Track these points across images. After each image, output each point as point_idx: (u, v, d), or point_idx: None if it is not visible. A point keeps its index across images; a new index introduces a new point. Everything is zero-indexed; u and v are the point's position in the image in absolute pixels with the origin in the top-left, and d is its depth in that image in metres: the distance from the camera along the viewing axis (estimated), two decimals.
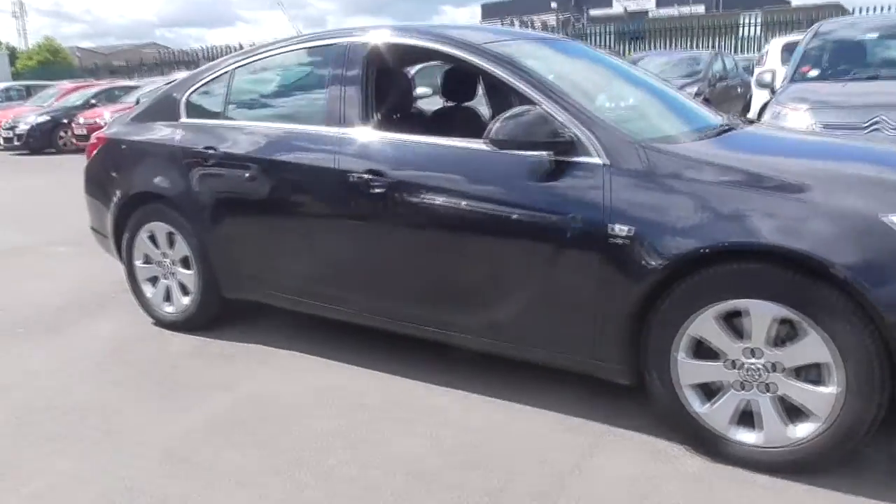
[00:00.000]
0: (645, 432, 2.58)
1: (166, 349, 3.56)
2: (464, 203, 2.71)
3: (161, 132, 3.69)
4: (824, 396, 2.19)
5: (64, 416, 2.90)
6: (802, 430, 2.25)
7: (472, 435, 2.62)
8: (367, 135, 3.01)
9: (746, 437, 2.35)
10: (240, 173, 3.32)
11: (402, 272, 2.95)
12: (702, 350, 2.38)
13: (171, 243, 3.69)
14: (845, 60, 5.70)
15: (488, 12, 43.83)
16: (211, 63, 3.85)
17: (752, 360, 2.30)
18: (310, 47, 3.43)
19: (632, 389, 2.59)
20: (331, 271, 3.15)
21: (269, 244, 3.32)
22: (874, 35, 5.77)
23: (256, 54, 3.56)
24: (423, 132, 3.01)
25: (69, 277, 4.93)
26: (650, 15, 37.84)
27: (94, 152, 4.01)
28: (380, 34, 3.17)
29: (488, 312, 2.75)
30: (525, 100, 2.70)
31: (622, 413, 2.70)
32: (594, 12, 35.55)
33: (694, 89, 10.94)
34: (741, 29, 24.20)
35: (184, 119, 3.64)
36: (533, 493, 2.26)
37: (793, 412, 2.28)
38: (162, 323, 3.83)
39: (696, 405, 2.41)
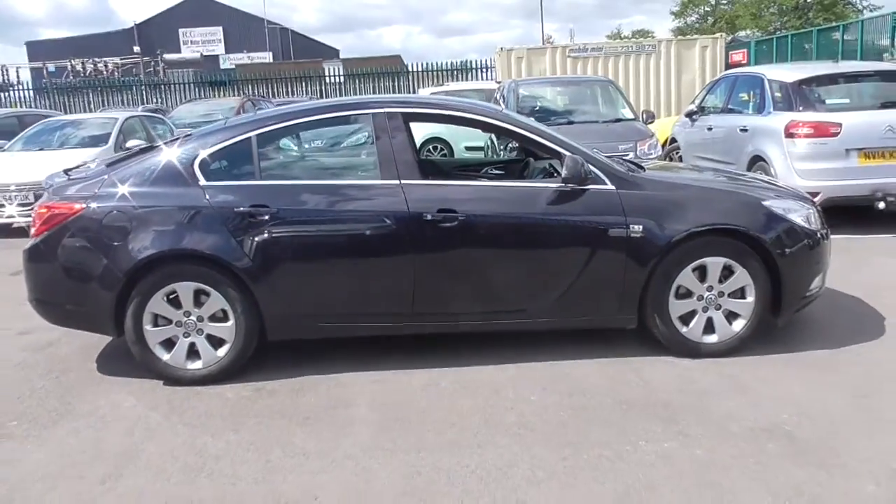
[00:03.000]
0: (623, 356, 4.08)
1: (229, 397, 3.72)
2: (525, 223, 3.87)
3: (177, 195, 3.80)
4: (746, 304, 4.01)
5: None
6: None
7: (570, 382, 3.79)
8: (428, 182, 3.90)
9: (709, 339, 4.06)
10: (301, 225, 3.80)
11: (471, 282, 3.90)
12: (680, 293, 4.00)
13: (199, 300, 3.84)
14: (546, 111, 8.09)
15: (35, 53, 39.42)
16: (210, 130, 4.08)
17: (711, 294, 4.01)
18: (337, 116, 4.10)
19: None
20: (398, 293, 3.87)
21: (332, 282, 3.86)
22: (560, 90, 8.32)
23: (279, 122, 4.01)
24: (449, 178, 4.04)
25: None
26: (224, 61, 38.88)
27: (62, 223, 3.80)
28: (417, 104, 4.08)
29: (546, 297, 3.94)
30: (551, 151, 4.00)
31: (623, 349, 4.16)
32: (168, 56, 35.17)
33: None
34: (327, 77, 27.22)
35: (205, 182, 3.84)
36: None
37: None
38: (181, 381, 3.88)
39: (682, 328, 4.02)
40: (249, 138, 3.94)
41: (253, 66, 31.29)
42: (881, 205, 6.82)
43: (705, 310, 4.02)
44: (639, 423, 3.32)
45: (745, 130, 7.77)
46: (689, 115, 9.43)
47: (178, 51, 40.28)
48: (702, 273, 3.98)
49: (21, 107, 24.37)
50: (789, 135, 6.96)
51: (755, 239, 3.92)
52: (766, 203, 4.05)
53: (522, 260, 3.92)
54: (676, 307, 4.00)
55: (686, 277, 3.96)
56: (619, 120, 8.67)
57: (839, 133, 6.74)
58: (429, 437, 3.24)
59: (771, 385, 3.68)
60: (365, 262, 3.88)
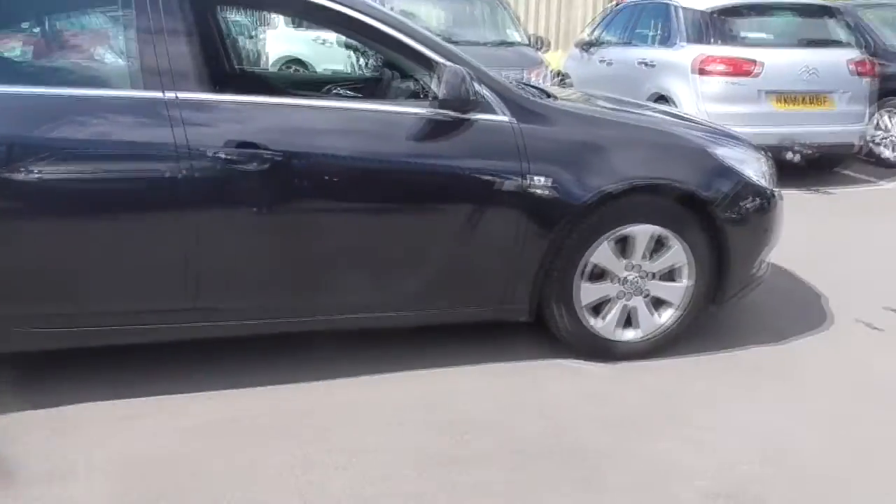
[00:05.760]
0: (548, 358, 2.91)
1: None
2: (376, 170, 2.51)
3: None
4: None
5: None
6: None
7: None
8: (221, 98, 2.42)
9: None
10: None
11: (291, 260, 2.52)
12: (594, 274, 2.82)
13: None
14: None
15: None
16: None
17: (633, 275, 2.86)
18: None
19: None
20: (170, 278, 2.43)
21: (49, 261, 2.32)
22: (437, 5, 7.04)
23: None
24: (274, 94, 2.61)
25: None
26: None
27: None
28: None
29: (406, 282, 2.63)
30: (423, 60, 2.62)
31: (515, 350, 2.96)
32: None
33: None
34: None
35: None
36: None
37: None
38: None
39: (592, 321, 2.86)
40: None
41: None
42: (794, 157, 6.00)
43: (625, 296, 2.88)
44: (540, 484, 2.13)
45: (648, 65, 6.73)
46: (583, 46, 8.29)
47: None
48: (622, 247, 2.82)
49: None
50: (700, 71, 5.98)
51: (701, 200, 2.79)
52: (712, 151, 2.92)
53: (370, 227, 2.57)
54: (587, 292, 2.83)
55: (602, 253, 2.78)
56: (505, 43, 7.36)
57: (759, 72, 5.82)
58: None
59: (714, 408, 2.62)
60: (109, 229, 2.37)
